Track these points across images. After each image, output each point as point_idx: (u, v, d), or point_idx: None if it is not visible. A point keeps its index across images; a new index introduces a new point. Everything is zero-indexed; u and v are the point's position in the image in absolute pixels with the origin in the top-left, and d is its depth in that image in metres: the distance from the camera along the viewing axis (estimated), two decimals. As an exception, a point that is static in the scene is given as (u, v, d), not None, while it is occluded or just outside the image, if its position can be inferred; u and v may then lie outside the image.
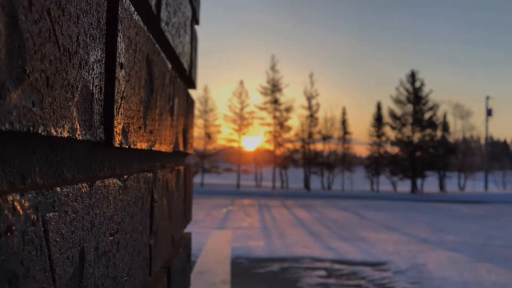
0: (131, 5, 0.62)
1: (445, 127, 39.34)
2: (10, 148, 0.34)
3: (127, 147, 0.60)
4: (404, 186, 40.33)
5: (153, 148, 0.78)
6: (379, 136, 38.67)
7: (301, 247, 8.82)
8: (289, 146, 38.17)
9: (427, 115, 37.06)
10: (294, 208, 17.63)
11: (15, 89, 0.31)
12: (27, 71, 0.32)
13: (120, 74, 0.56)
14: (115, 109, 0.54)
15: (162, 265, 0.96)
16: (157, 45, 0.81)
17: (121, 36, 0.56)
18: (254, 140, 38.68)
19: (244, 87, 43.34)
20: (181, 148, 1.17)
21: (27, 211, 0.33)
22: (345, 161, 40.08)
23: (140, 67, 0.67)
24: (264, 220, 13.24)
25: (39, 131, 0.35)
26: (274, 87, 37.07)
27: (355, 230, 11.26)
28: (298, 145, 37.90)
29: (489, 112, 42.06)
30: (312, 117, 37.30)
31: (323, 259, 7.79)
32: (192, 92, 1.48)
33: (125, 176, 0.62)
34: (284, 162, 37.92)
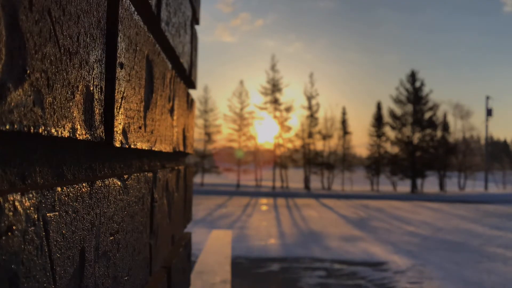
0: (131, 5, 0.62)
1: (445, 127, 39.26)
2: (11, 148, 0.34)
3: (127, 147, 0.60)
4: (404, 186, 40.32)
5: (153, 148, 0.78)
6: (379, 136, 38.63)
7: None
8: (289, 146, 38.15)
9: (427, 115, 37.02)
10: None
11: (16, 89, 0.31)
12: (28, 71, 0.33)
13: (120, 74, 0.56)
14: (115, 109, 0.54)
15: (162, 265, 0.96)
16: (157, 45, 0.81)
17: (121, 36, 0.56)
18: (254, 140, 38.67)
19: (244, 87, 43.35)
20: (181, 148, 1.17)
21: (28, 211, 0.33)
22: (345, 161, 40.06)
23: (140, 67, 0.67)
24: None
25: (40, 131, 0.35)
26: (274, 87, 37.04)
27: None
28: (298, 145, 37.88)
29: (489, 112, 41.98)
30: (312, 117, 37.26)
31: (323, 259, 7.79)
32: (192, 92, 1.48)
33: (126, 176, 0.62)
34: (284, 162, 37.89)
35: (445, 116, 40.15)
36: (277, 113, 37.19)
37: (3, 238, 0.30)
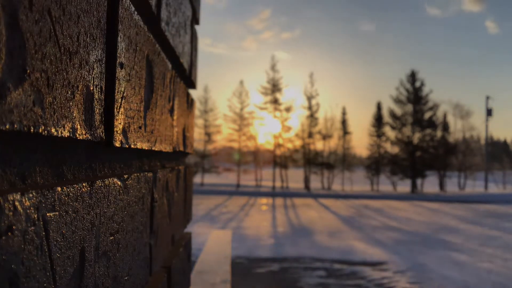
0: (131, 5, 0.62)
1: (445, 127, 39.21)
2: (11, 148, 0.34)
3: (127, 146, 0.60)
4: (404, 186, 40.31)
5: (153, 148, 0.78)
6: (379, 136, 38.61)
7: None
8: (289, 146, 38.11)
9: (427, 115, 36.98)
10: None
11: (16, 88, 0.31)
12: (28, 71, 0.33)
13: (121, 74, 0.56)
14: (115, 109, 0.54)
15: (162, 265, 0.96)
16: (157, 45, 0.81)
17: (121, 36, 0.56)
18: (254, 140, 38.61)
19: (244, 87, 43.37)
20: (181, 148, 1.17)
21: (28, 211, 0.33)
22: (345, 161, 40.04)
23: (140, 67, 0.67)
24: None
25: (40, 131, 0.35)
26: (274, 87, 37.02)
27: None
28: (298, 145, 37.84)
29: (489, 112, 41.91)
30: (312, 117, 37.22)
31: (323, 259, 7.80)
32: (192, 92, 1.48)
33: (126, 176, 0.62)
34: (284, 162, 37.85)
35: (445, 116, 40.11)
36: (277, 113, 37.17)
37: (3, 238, 0.30)
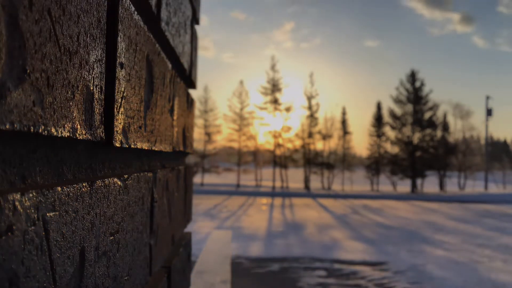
0: (131, 5, 0.62)
1: (445, 127, 39.19)
2: (11, 148, 0.34)
3: (127, 146, 0.60)
4: (404, 186, 40.31)
5: (153, 148, 0.78)
6: (379, 136, 38.60)
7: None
8: (289, 146, 38.08)
9: (427, 115, 36.96)
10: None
11: (16, 88, 0.31)
12: (28, 71, 0.33)
13: (121, 74, 0.56)
14: (115, 109, 0.54)
15: (162, 265, 0.96)
16: (157, 45, 0.81)
17: (122, 36, 0.56)
18: (254, 140, 38.58)
19: (244, 87, 43.36)
20: (181, 148, 1.17)
21: (28, 211, 0.33)
22: (345, 161, 40.03)
23: (140, 67, 0.67)
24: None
25: (40, 131, 0.35)
26: (274, 87, 37.00)
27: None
28: (298, 145, 37.82)
29: (489, 112, 41.87)
30: (312, 117, 37.20)
31: (323, 259, 7.80)
32: (192, 92, 1.48)
33: (126, 176, 0.62)
34: (284, 162, 37.82)
35: (445, 116, 40.08)
36: (277, 113, 37.16)
37: (3, 238, 0.30)
